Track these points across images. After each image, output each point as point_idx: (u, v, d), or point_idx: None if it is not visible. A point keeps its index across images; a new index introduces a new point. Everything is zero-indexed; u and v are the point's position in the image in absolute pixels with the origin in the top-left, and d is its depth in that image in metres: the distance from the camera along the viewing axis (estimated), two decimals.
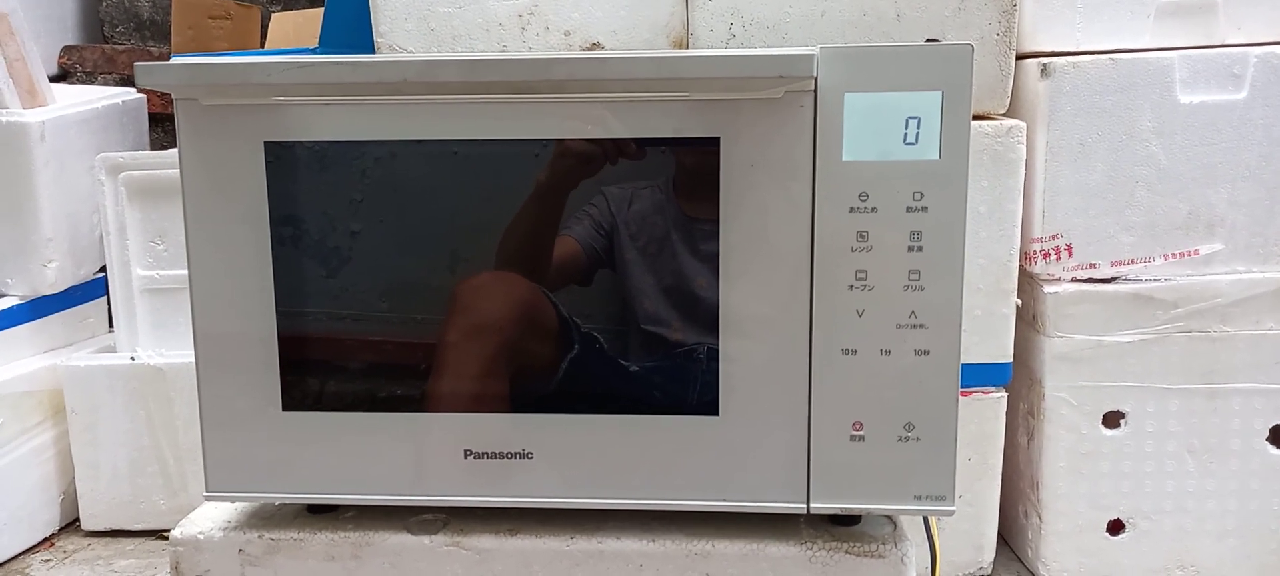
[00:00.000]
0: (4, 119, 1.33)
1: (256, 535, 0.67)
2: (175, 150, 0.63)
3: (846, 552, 0.63)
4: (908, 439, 0.61)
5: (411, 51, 1.08)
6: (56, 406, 1.37)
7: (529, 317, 0.64)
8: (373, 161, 0.62)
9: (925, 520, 0.69)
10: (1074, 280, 1.13)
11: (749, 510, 0.63)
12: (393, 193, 0.62)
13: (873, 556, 0.63)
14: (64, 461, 1.38)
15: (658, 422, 0.63)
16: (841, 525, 0.66)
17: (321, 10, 1.30)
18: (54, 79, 1.71)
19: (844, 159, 0.59)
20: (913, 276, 0.60)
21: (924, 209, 0.59)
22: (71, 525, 1.40)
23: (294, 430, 0.65)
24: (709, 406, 0.62)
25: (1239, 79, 1.09)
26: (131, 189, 1.31)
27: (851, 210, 0.60)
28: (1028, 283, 1.15)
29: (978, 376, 1.11)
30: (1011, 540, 1.26)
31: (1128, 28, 1.11)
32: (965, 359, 1.06)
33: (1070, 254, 1.12)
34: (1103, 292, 1.12)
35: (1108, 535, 1.17)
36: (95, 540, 1.36)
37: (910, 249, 0.60)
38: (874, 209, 0.59)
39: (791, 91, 0.59)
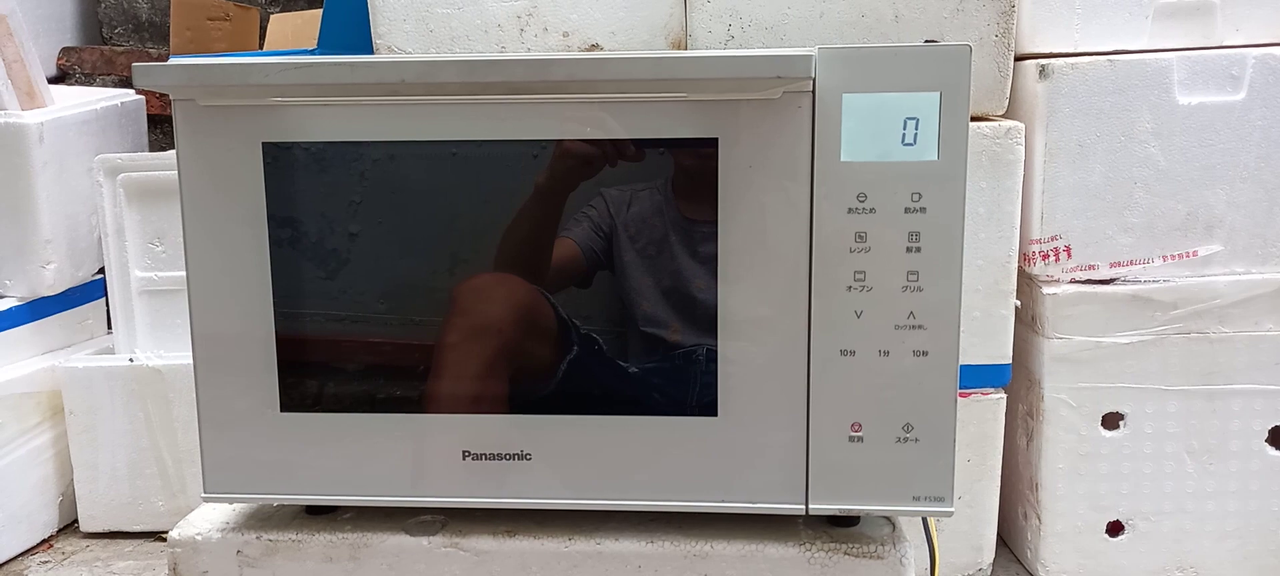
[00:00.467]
0: (3, 120, 1.33)
1: (255, 536, 0.66)
2: (174, 152, 0.63)
3: (845, 553, 0.63)
4: (906, 440, 0.61)
5: (410, 53, 1.08)
6: (55, 408, 1.36)
7: (528, 319, 0.64)
8: (371, 163, 0.62)
9: (924, 521, 0.69)
10: (1073, 281, 1.13)
11: (748, 511, 0.63)
12: (391, 194, 0.62)
13: (871, 557, 0.63)
14: (63, 463, 1.38)
15: (656, 424, 0.63)
16: (840, 526, 0.66)
17: (320, 12, 1.30)
18: (53, 80, 1.71)
19: (842, 159, 0.59)
20: (911, 277, 0.60)
21: (922, 209, 0.59)
22: (70, 526, 1.40)
23: (292, 431, 0.65)
24: (708, 407, 0.62)
25: (1237, 80, 1.10)
26: (130, 190, 1.31)
27: (850, 211, 0.60)
28: (1026, 284, 1.15)
29: (977, 377, 1.11)
30: (1010, 541, 1.26)
31: (1126, 29, 1.11)
32: (964, 360, 1.06)
33: (1069, 255, 1.12)
34: (1101, 294, 1.12)
35: (1107, 536, 1.17)
36: (94, 541, 1.36)
37: (909, 249, 0.60)
38: (872, 210, 0.59)
39: (790, 92, 0.59)
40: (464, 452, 0.64)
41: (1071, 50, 1.11)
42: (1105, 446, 1.15)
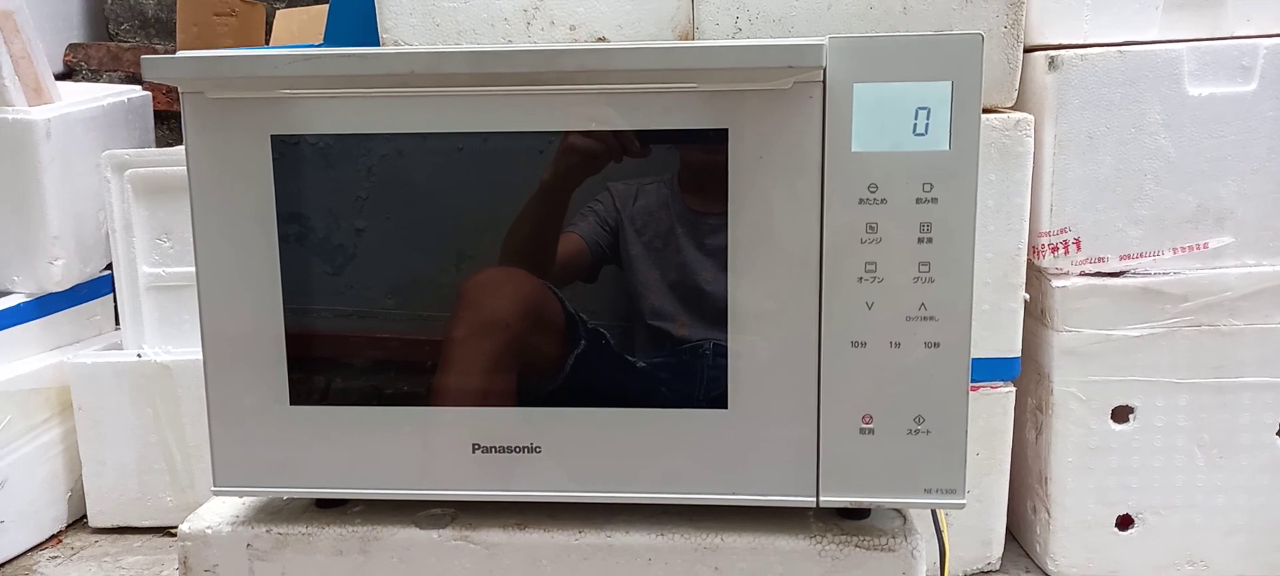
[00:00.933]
0: (10, 116, 1.33)
1: (264, 529, 0.66)
2: (181, 147, 0.63)
3: (856, 546, 0.63)
4: (918, 432, 0.61)
5: (416, 46, 1.08)
6: (63, 403, 1.37)
7: (535, 313, 0.64)
8: (378, 158, 0.62)
9: (934, 515, 0.69)
10: (1082, 274, 1.12)
11: (758, 504, 0.63)
12: (399, 189, 0.62)
13: (883, 550, 0.63)
14: (71, 458, 1.38)
15: (666, 416, 0.63)
16: (851, 519, 0.66)
17: (326, 7, 1.30)
18: (59, 77, 1.71)
19: (853, 150, 0.59)
20: (923, 268, 0.60)
21: (934, 200, 0.59)
22: (79, 522, 1.40)
23: (302, 425, 0.65)
24: (718, 400, 0.62)
25: (1248, 71, 1.09)
26: (137, 186, 1.31)
27: (861, 201, 0.59)
28: (1035, 276, 1.14)
29: (985, 371, 1.11)
30: (1019, 535, 1.25)
31: (1136, 20, 1.11)
32: (973, 353, 1.05)
33: (1078, 247, 1.12)
34: (1111, 286, 1.11)
35: (1116, 530, 1.16)
36: (102, 537, 1.36)
37: (920, 241, 0.59)
38: (883, 200, 0.59)
39: (800, 82, 0.58)
40: (473, 445, 0.64)
41: (1081, 41, 1.10)
42: (1115, 440, 1.14)
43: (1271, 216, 1.11)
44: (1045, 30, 1.12)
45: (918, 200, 0.59)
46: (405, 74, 0.59)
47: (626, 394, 0.63)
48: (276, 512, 0.68)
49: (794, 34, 1.04)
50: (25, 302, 1.37)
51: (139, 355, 1.33)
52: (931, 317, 0.60)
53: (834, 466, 0.62)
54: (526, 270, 0.63)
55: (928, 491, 0.62)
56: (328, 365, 0.65)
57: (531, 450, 0.64)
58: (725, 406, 0.62)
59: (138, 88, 1.59)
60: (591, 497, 0.64)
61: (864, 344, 0.61)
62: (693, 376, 0.62)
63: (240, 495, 0.68)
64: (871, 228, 0.59)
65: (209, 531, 0.67)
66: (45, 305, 1.39)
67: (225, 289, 0.64)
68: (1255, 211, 1.11)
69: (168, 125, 1.81)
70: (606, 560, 0.65)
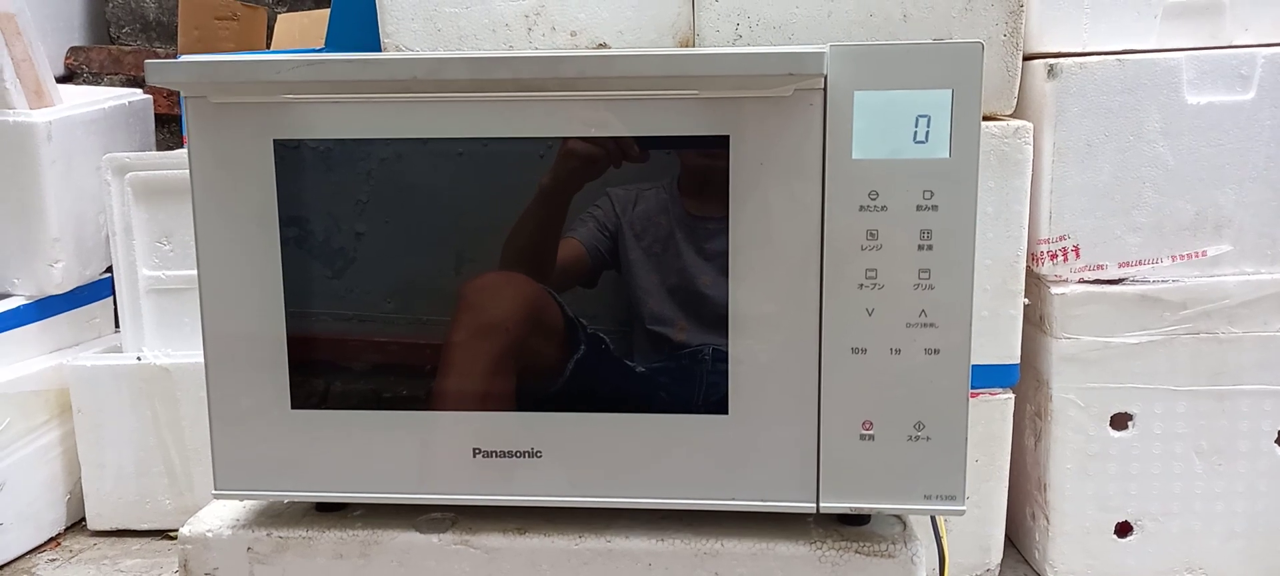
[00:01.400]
0: (11, 119, 1.33)
1: (265, 533, 0.66)
2: (181, 151, 0.63)
3: (856, 552, 0.63)
4: (918, 438, 0.61)
5: (418, 51, 1.08)
6: (63, 406, 1.37)
7: (535, 317, 0.64)
8: (379, 162, 0.62)
9: (933, 521, 0.69)
10: (1081, 281, 1.12)
11: (758, 509, 0.63)
12: (400, 193, 0.62)
13: (882, 556, 0.63)
14: (70, 461, 1.38)
15: (666, 421, 0.63)
16: (851, 524, 0.66)
17: (327, 11, 1.30)
18: (60, 80, 1.71)
19: (854, 157, 0.59)
20: (923, 275, 0.60)
21: (934, 207, 0.59)
22: (77, 524, 1.40)
23: (303, 428, 0.65)
24: (718, 405, 0.62)
25: (1247, 80, 1.09)
26: (138, 189, 1.31)
27: (861, 208, 0.60)
28: (1034, 283, 1.15)
29: (985, 377, 1.11)
30: (1018, 542, 1.25)
31: (1135, 28, 1.11)
32: (972, 360, 1.05)
33: (1077, 255, 1.12)
34: (1110, 294, 1.12)
35: (1115, 537, 1.17)
36: (101, 539, 1.36)
37: (920, 247, 0.60)
38: (884, 207, 0.59)
39: (801, 89, 0.59)
40: (474, 449, 0.64)
41: (1080, 50, 1.11)
42: (1114, 446, 1.14)
43: (1270, 224, 1.12)
44: (1044, 38, 1.12)
45: (918, 207, 0.59)
46: (408, 79, 0.59)
47: (627, 398, 0.63)
48: (277, 516, 0.68)
49: (794, 40, 1.04)
50: (25, 305, 1.37)
51: (138, 358, 1.33)
52: (931, 324, 0.60)
53: (834, 472, 0.62)
54: (526, 275, 0.63)
55: (928, 497, 0.62)
56: (329, 368, 0.65)
57: (532, 454, 0.64)
58: (726, 412, 0.62)
59: (138, 91, 1.59)
60: (592, 502, 0.64)
61: (864, 350, 0.61)
62: (693, 381, 0.63)
63: (241, 498, 0.68)
64: (872, 234, 0.60)
65: (209, 534, 0.67)
66: (45, 307, 1.39)
67: (227, 292, 0.64)
68: (1254, 219, 1.12)
69: (168, 128, 1.81)
70: (606, 564, 0.65)
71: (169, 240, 1.33)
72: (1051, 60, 1.10)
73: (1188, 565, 1.17)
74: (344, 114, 0.61)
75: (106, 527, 1.37)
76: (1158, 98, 1.09)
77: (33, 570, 1.29)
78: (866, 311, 0.60)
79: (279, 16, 1.76)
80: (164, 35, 2.01)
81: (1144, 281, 1.12)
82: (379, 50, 1.09)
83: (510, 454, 0.64)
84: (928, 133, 0.59)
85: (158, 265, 1.34)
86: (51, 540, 1.37)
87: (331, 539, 0.66)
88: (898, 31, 1.04)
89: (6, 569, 1.29)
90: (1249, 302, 1.11)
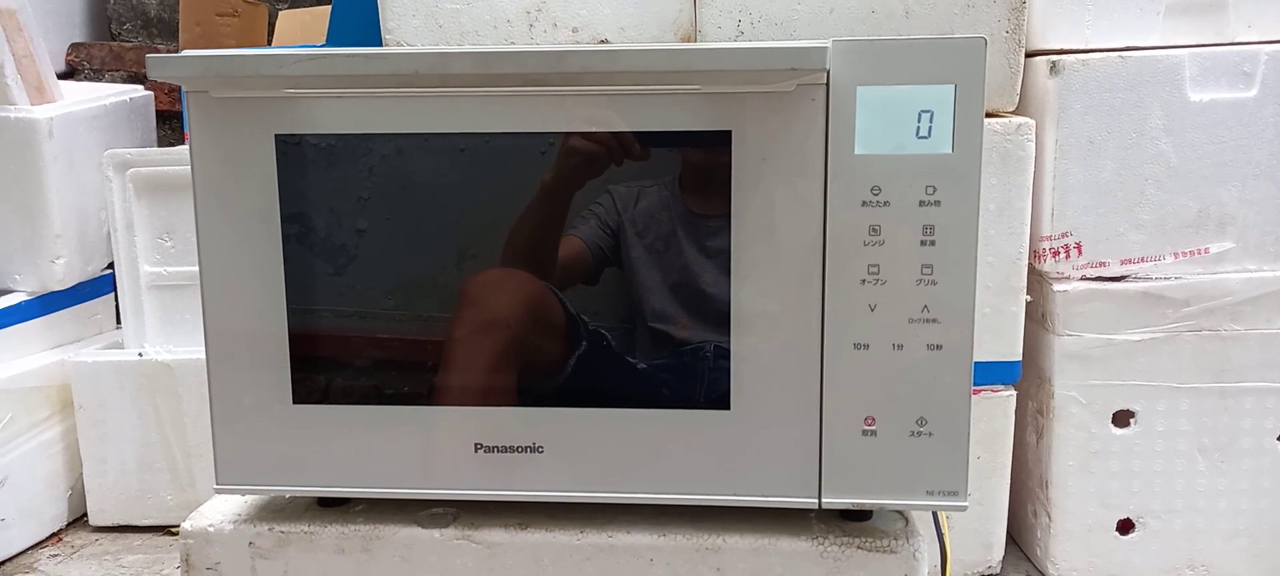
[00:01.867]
0: (12, 116, 1.33)
1: (267, 527, 0.66)
2: (183, 147, 0.63)
3: (858, 548, 0.63)
4: (920, 434, 0.61)
5: (419, 47, 1.08)
6: (65, 402, 1.37)
7: (536, 313, 0.64)
8: (381, 158, 0.62)
9: (935, 517, 0.69)
10: (1083, 278, 1.12)
11: (760, 505, 0.63)
12: (402, 188, 0.62)
13: (884, 552, 0.63)
14: (72, 457, 1.38)
15: (669, 417, 0.63)
16: (853, 520, 0.66)
17: (329, 8, 1.30)
18: (62, 76, 1.71)
19: (856, 152, 0.59)
20: (925, 270, 0.60)
21: (937, 203, 0.59)
22: (79, 520, 1.40)
23: (305, 423, 0.65)
24: (720, 401, 0.62)
25: (1249, 77, 1.09)
26: (139, 185, 1.31)
27: (864, 204, 0.59)
28: (1037, 281, 1.15)
29: (987, 375, 1.11)
30: (1020, 539, 1.25)
31: (1137, 25, 1.11)
32: (975, 357, 1.05)
33: (1080, 252, 1.12)
34: (1112, 291, 1.11)
35: (1117, 534, 1.16)
36: (103, 535, 1.36)
37: (923, 243, 0.59)
38: (886, 203, 0.59)
39: (804, 84, 0.59)
40: (476, 445, 0.64)
41: (1082, 46, 1.10)
42: (1116, 444, 1.14)
43: (1273, 221, 1.12)
44: (1047, 35, 1.12)
45: (920, 203, 0.59)
46: (410, 74, 0.59)
47: (629, 394, 0.63)
48: (279, 511, 0.69)
49: (795, 36, 1.04)
50: (27, 301, 1.37)
51: (140, 354, 1.33)
52: (934, 320, 0.60)
53: (836, 468, 0.62)
54: (528, 271, 0.63)
55: (930, 493, 0.62)
56: (330, 364, 0.65)
57: (534, 450, 0.64)
58: (727, 408, 0.62)
59: (140, 87, 1.59)
60: (594, 497, 0.64)
61: (866, 346, 0.61)
62: (695, 378, 0.63)
63: (243, 493, 0.68)
64: (874, 230, 0.60)
65: (211, 529, 0.67)
66: (47, 303, 1.39)
67: (229, 287, 0.64)
68: (1256, 216, 1.11)
69: (169, 125, 1.81)
70: (608, 560, 0.65)
71: (170, 236, 1.33)
72: (1054, 57, 1.09)
73: (1190, 563, 1.17)
74: (346, 109, 0.61)
75: (108, 523, 1.37)
76: (1160, 95, 1.09)
77: (35, 566, 1.29)
78: (869, 307, 0.60)
79: (280, 13, 1.76)
80: (165, 32, 2.01)
81: (1146, 278, 1.12)
82: (380, 46, 1.09)
83: (512, 449, 0.64)
84: (930, 128, 0.59)
85: (159, 261, 1.34)
86: (53, 536, 1.37)
87: (333, 533, 0.66)
88: (900, 27, 1.04)
89: (8, 564, 1.29)
90: (1252, 300, 1.11)
